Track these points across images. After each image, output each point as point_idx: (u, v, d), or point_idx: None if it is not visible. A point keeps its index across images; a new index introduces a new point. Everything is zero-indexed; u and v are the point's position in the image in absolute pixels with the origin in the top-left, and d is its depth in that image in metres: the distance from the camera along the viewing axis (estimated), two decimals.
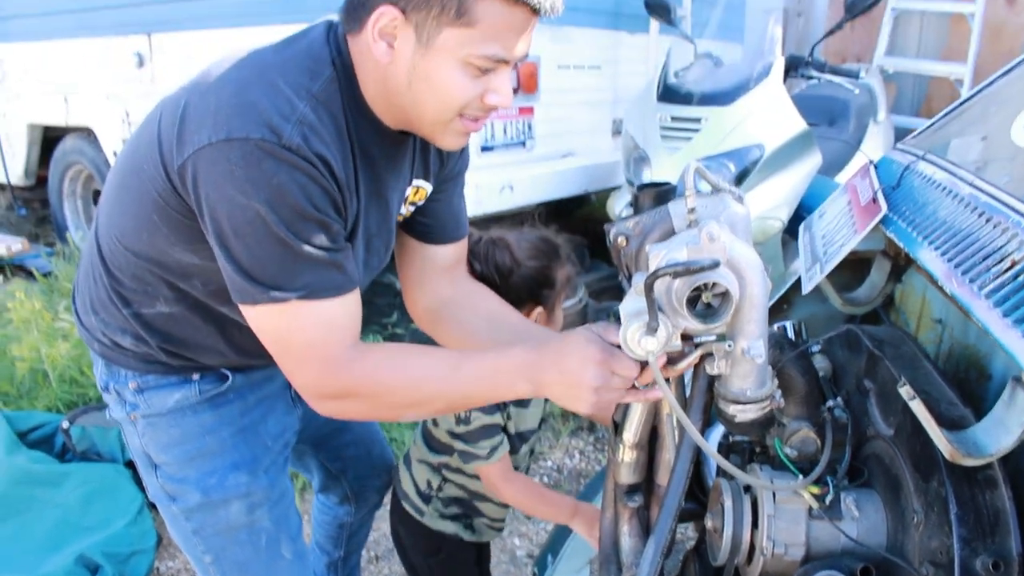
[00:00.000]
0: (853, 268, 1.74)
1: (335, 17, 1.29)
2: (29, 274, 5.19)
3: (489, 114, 1.28)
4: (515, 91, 3.75)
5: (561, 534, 2.10)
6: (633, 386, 1.16)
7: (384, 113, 1.28)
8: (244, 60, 1.22)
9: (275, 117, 1.13)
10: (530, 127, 3.98)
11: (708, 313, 1.06)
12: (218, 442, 1.49)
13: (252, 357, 1.46)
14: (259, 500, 1.53)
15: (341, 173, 1.21)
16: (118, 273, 1.38)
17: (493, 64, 1.19)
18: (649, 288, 1.00)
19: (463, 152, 1.54)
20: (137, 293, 1.37)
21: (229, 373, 1.49)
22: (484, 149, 3.75)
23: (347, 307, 1.24)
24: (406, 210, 1.49)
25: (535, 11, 1.17)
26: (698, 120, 3.38)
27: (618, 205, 3.74)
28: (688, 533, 2.55)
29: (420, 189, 1.48)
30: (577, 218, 5.73)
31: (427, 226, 1.55)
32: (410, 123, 1.28)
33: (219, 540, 1.52)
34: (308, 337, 1.21)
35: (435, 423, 1.88)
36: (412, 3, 1.14)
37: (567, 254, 1.91)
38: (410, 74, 1.19)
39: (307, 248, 1.16)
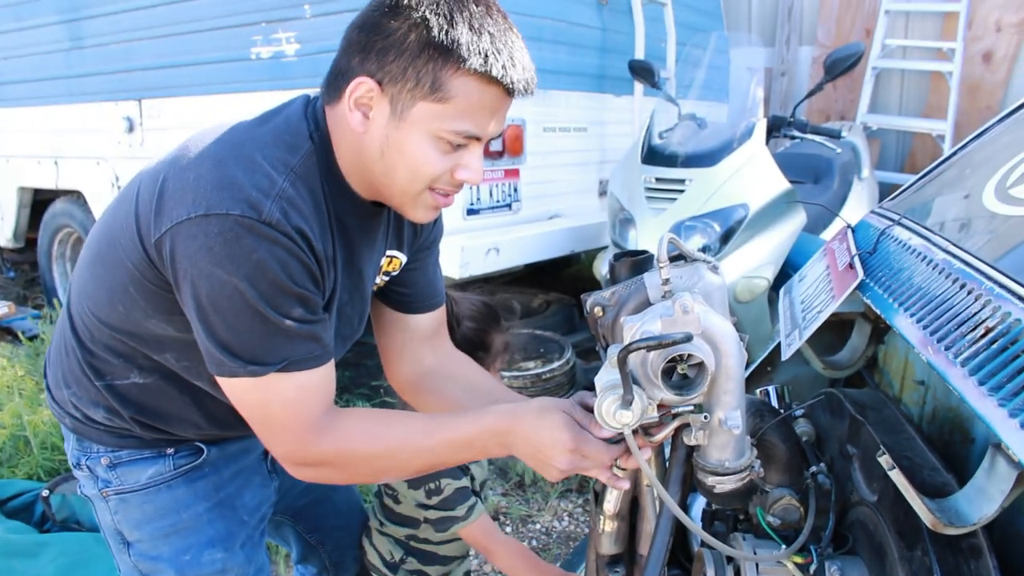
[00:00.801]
0: (835, 329, 1.74)
1: (313, 92, 1.32)
2: (15, 337, 5.17)
3: (460, 188, 1.30)
4: (501, 154, 3.79)
5: None
6: (613, 464, 1.16)
7: (359, 184, 1.30)
8: (223, 135, 1.22)
9: (254, 192, 1.13)
10: (516, 189, 4.00)
11: (684, 384, 1.06)
12: (193, 518, 1.46)
13: (227, 428, 1.45)
14: None
15: (319, 246, 1.21)
16: (91, 345, 1.37)
17: (464, 140, 1.21)
18: (623, 361, 1.00)
19: (437, 222, 1.56)
20: (110, 365, 1.36)
21: (204, 447, 1.47)
22: (470, 212, 3.77)
23: (324, 376, 1.24)
24: (380, 280, 1.50)
25: (508, 92, 1.20)
26: (683, 181, 3.42)
27: (604, 267, 3.75)
28: None
29: (394, 259, 1.49)
30: (565, 278, 5.76)
31: (404, 295, 1.56)
32: (382, 194, 1.30)
33: None
34: (285, 408, 1.21)
35: (396, 500, 1.93)
36: (389, 75, 1.17)
37: (506, 325, 2.01)
38: (383, 144, 1.21)
39: (287, 322, 1.16)
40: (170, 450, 1.45)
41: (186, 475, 1.46)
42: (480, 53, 1.15)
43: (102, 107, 4.86)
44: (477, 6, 1.18)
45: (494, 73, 1.16)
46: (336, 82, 1.23)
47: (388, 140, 1.21)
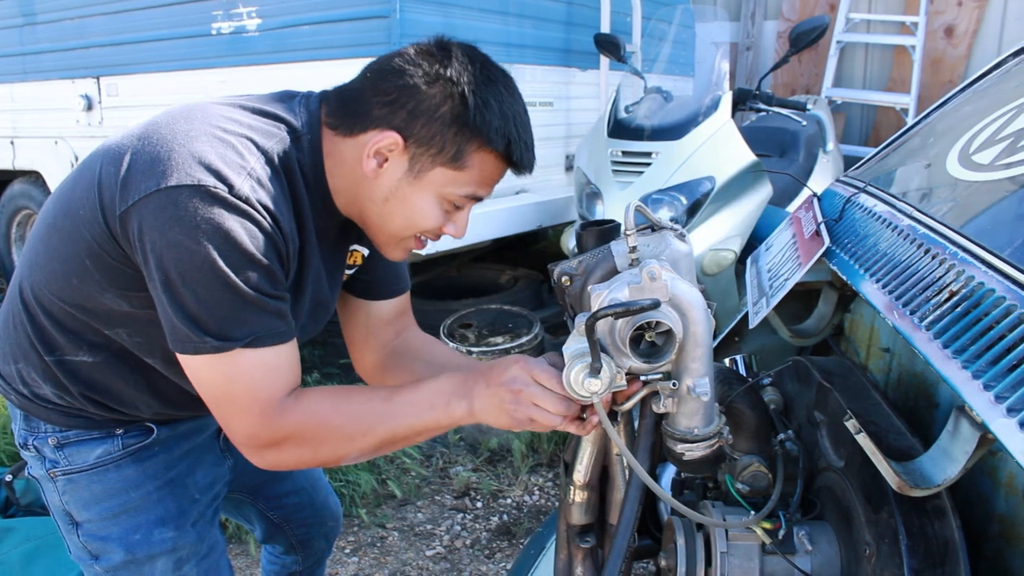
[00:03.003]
0: (802, 299, 1.75)
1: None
2: None
3: (439, 239, 1.40)
4: None
5: (518, 573, 2.06)
6: (580, 417, 1.15)
7: (343, 204, 1.35)
8: (195, 114, 1.23)
9: (225, 168, 1.15)
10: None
11: (652, 352, 1.06)
12: (142, 497, 1.44)
13: (177, 409, 1.44)
14: (186, 555, 1.48)
15: (287, 228, 1.22)
16: (42, 318, 1.34)
17: (466, 202, 1.32)
18: (591, 329, 1.00)
19: None
20: (60, 339, 1.34)
21: (154, 426, 1.45)
22: None
23: (288, 355, 1.24)
24: (344, 275, 1.53)
25: (517, 168, 1.32)
26: (649, 155, 3.41)
27: (572, 241, 3.75)
28: (650, 568, 2.53)
29: (356, 252, 1.52)
30: (533, 253, 5.75)
31: (367, 283, 1.59)
32: (366, 226, 1.36)
33: None
34: (249, 385, 1.19)
35: None
36: (415, 137, 1.24)
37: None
38: (390, 194, 1.29)
39: (255, 295, 1.16)
40: (119, 430, 1.42)
41: (135, 455, 1.44)
42: (504, 137, 1.25)
43: (59, 85, 4.76)
44: (506, 89, 1.28)
45: (514, 157, 1.28)
46: (352, 120, 1.28)
47: (396, 192, 1.28)
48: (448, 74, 1.23)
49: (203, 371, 1.20)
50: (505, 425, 1.17)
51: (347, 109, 1.29)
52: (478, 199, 1.33)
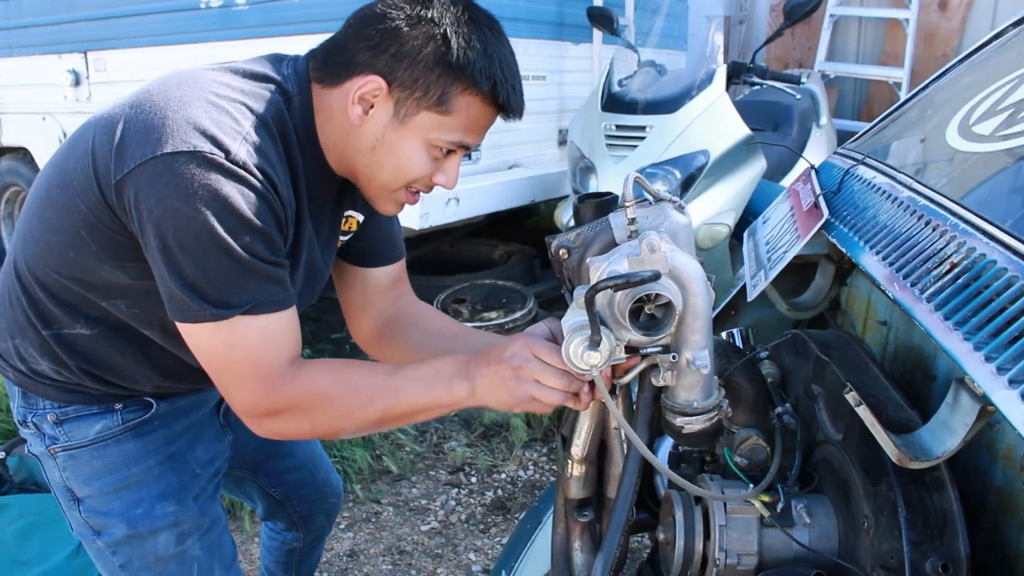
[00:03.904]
0: (798, 272, 1.75)
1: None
2: None
3: (431, 191, 1.37)
4: None
5: (515, 548, 2.07)
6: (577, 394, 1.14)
7: (335, 162, 1.33)
8: (187, 80, 1.21)
9: (220, 134, 1.14)
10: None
11: (652, 325, 1.05)
12: (143, 472, 1.44)
13: (176, 380, 1.43)
14: (189, 529, 1.48)
15: (284, 192, 1.21)
16: (38, 292, 1.33)
17: (454, 148, 1.29)
18: (590, 302, 0.99)
19: None
20: (57, 312, 1.33)
21: (153, 401, 1.45)
22: None
23: (288, 322, 1.23)
24: (339, 241, 1.52)
25: (506, 112, 1.29)
26: (643, 128, 3.40)
27: (565, 215, 3.74)
28: (645, 542, 2.54)
29: (351, 218, 1.51)
30: (526, 228, 5.74)
31: (362, 250, 1.58)
32: (356, 179, 1.34)
33: (148, 573, 1.46)
34: (249, 353, 1.19)
35: None
36: (399, 81, 1.22)
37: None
38: (376, 141, 1.27)
39: (253, 260, 1.16)
40: (118, 405, 1.42)
41: (135, 429, 1.43)
42: (489, 78, 1.23)
43: (46, 60, 4.71)
44: (491, 31, 1.26)
45: (500, 99, 1.25)
46: (336, 69, 1.26)
47: (383, 139, 1.26)
48: (430, 15, 1.21)
49: (203, 339, 1.19)
50: (506, 405, 1.16)
51: (332, 60, 1.28)
52: (466, 147, 1.31)
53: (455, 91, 1.23)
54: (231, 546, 1.58)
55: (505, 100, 1.26)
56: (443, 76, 1.21)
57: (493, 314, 3.71)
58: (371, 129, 1.26)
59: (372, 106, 1.25)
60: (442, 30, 1.21)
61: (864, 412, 1.02)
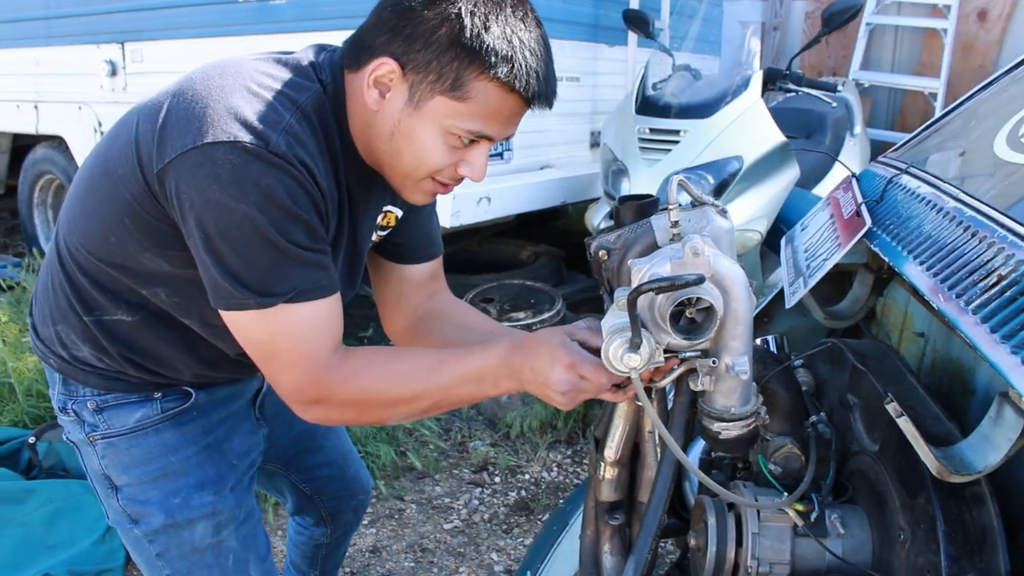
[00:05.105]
0: (834, 281, 1.73)
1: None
2: None
3: (460, 182, 1.32)
4: None
5: (540, 549, 2.06)
6: (616, 386, 1.14)
7: (363, 150, 1.31)
8: (228, 70, 1.21)
9: (261, 124, 1.13)
10: (507, 139, 3.97)
11: (692, 329, 1.04)
12: (182, 461, 1.44)
13: (216, 370, 1.43)
14: (225, 520, 1.48)
15: (324, 183, 1.21)
16: (80, 278, 1.34)
17: (475, 138, 1.23)
18: (632, 304, 0.98)
19: None
20: (99, 298, 1.34)
21: (192, 391, 1.45)
22: None
23: (332, 309, 1.23)
24: (376, 236, 1.51)
25: (527, 102, 1.22)
26: (677, 132, 3.38)
27: (596, 217, 3.72)
28: (669, 547, 2.52)
29: (390, 214, 1.50)
30: (553, 230, 5.73)
31: (399, 247, 1.57)
32: (382, 168, 1.31)
33: (184, 563, 1.47)
34: (294, 341, 1.20)
35: None
36: (412, 63, 1.18)
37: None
38: (393, 127, 1.23)
39: (295, 249, 1.16)
40: (158, 394, 1.42)
41: (174, 419, 1.44)
42: (507, 62, 1.16)
43: (84, 50, 4.75)
44: (514, 12, 1.19)
45: (517, 85, 1.18)
46: (358, 53, 1.24)
47: (400, 125, 1.22)
48: None
49: (247, 327, 1.20)
50: (554, 402, 1.17)
51: (356, 44, 1.26)
52: (488, 138, 1.24)
53: (470, 75, 1.16)
54: (265, 539, 1.59)
55: (524, 87, 1.18)
56: (457, 59, 1.16)
57: (521, 314, 3.71)
58: (388, 114, 1.22)
59: (389, 90, 1.21)
60: (457, 9, 1.15)
61: (905, 424, 1.01)
